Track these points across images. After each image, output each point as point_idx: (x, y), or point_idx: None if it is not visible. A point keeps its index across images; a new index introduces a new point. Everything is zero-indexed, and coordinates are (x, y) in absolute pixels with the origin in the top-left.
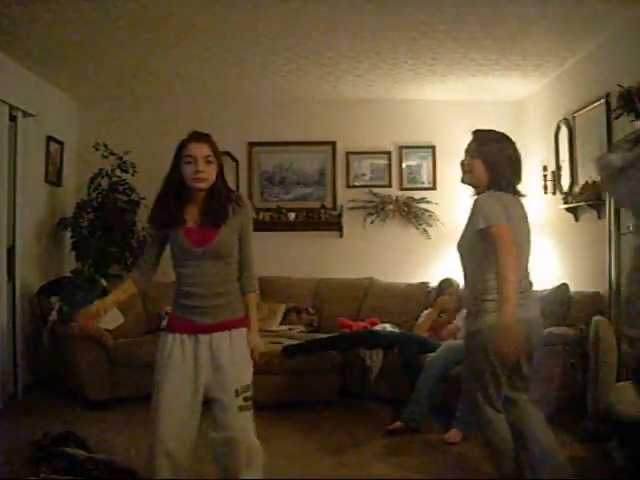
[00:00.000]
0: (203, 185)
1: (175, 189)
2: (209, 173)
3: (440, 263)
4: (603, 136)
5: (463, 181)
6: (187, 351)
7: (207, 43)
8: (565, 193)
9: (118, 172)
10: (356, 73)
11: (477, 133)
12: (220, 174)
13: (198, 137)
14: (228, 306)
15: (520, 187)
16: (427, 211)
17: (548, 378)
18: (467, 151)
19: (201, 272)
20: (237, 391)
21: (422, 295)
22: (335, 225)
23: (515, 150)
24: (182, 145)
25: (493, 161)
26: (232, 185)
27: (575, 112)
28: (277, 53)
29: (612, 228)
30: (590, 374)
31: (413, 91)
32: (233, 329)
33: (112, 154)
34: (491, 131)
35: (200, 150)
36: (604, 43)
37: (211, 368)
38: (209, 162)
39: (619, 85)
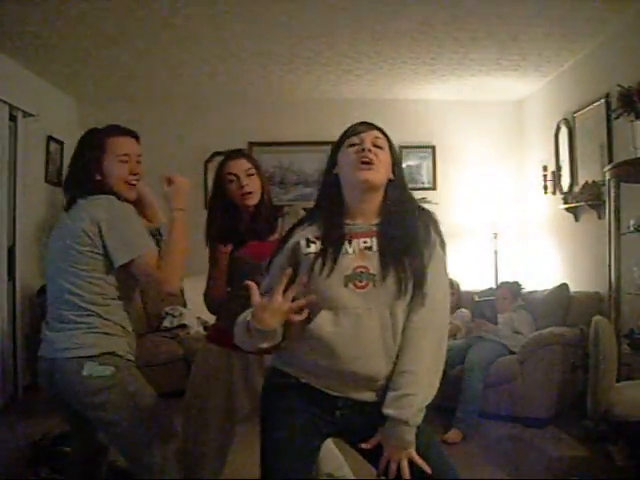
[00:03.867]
0: (252, 201)
1: (225, 212)
2: (253, 186)
3: None
4: (603, 136)
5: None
6: None
7: (207, 43)
8: (565, 193)
9: None
10: (356, 73)
11: None
12: (265, 188)
13: (233, 154)
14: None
15: (520, 187)
16: None
17: (548, 378)
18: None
19: None
20: None
21: None
22: None
23: None
24: (220, 167)
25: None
26: None
27: (575, 112)
28: (277, 53)
29: (612, 228)
30: (590, 374)
31: (413, 91)
32: None
33: None
34: None
35: (240, 165)
36: (604, 43)
37: None
38: (250, 175)
39: (619, 85)
